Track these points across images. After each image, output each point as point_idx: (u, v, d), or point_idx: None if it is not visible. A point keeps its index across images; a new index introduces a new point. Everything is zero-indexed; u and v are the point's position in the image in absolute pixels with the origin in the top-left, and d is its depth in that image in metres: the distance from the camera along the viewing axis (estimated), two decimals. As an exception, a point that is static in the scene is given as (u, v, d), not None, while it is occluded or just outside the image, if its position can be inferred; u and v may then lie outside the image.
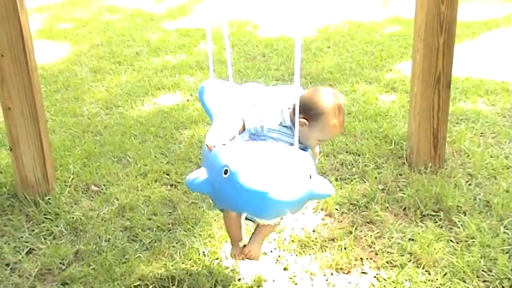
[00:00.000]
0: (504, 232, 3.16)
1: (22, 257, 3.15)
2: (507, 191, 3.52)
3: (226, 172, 2.10)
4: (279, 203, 2.03)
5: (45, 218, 3.46)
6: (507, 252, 3.01)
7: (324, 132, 2.41)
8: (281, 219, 2.34)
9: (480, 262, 2.93)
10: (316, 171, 2.39)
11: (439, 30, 3.53)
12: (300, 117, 2.29)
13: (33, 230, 3.37)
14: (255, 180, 2.02)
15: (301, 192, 2.10)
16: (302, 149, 2.33)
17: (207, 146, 2.33)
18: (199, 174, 2.31)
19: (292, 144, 2.29)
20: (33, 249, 3.22)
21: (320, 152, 2.71)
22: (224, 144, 2.29)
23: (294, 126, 2.29)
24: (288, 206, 2.11)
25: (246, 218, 2.33)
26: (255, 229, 2.57)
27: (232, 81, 2.63)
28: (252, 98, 2.73)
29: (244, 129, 2.43)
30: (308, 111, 2.36)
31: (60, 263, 3.10)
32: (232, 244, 2.61)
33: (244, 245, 2.54)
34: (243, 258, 2.59)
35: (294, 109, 2.28)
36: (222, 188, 2.15)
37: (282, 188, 2.02)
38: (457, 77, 5.08)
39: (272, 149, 2.23)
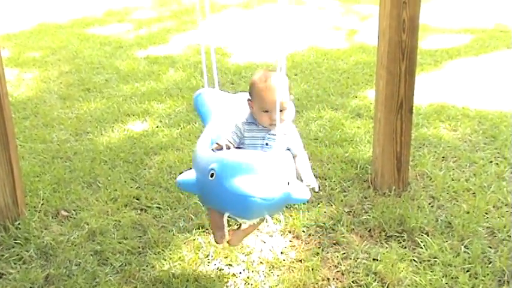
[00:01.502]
0: (465, 252, 3.27)
1: (-8, 282, 3.16)
2: (468, 213, 3.65)
3: (212, 175, 2.31)
4: (259, 204, 2.21)
5: (15, 242, 3.48)
6: (468, 271, 3.12)
7: (259, 101, 2.62)
8: (260, 220, 2.55)
9: (442, 281, 3.04)
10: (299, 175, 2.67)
11: (400, 58, 3.67)
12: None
13: (3, 255, 3.38)
14: (238, 183, 2.22)
15: (280, 196, 2.30)
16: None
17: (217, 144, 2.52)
18: (189, 176, 2.57)
19: (263, 138, 2.62)
20: (3, 274, 3.23)
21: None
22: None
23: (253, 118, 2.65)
24: (267, 208, 2.33)
25: (229, 217, 2.47)
26: (238, 227, 2.71)
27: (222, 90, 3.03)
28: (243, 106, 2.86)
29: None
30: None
31: (31, 287, 3.12)
32: (214, 234, 2.68)
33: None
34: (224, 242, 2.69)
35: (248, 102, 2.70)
36: (208, 189, 2.39)
37: (262, 191, 2.21)
38: (420, 103, 5.24)
39: (255, 156, 2.44)
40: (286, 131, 2.68)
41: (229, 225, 2.60)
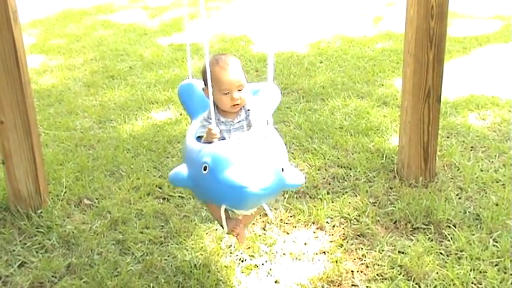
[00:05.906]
0: (493, 245, 3.18)
1: (14, 270, 3.16)
2: (496, 205, 3.55)
3: (205, 168, 2.24)
4: (255, 195, 2.14)
5: (38, 231, 3.47)
6: (496, 265, 3.03)
7: (217, 83, 2.58)
8: (257, 209, 2.50)
9: (470, 275, 2.96)
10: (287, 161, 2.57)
11: (428, 45, 3.57)
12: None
13: (26, 243, 3.38)
14: (232, 175, 2.15)
15: (275, 184, 2.22)
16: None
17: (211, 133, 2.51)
18: (181, 170, 2.50)
19: (229, 131, 2.65)
20: (25, 262, 3.23)
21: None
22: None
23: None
24: (264, 197, 2.25)
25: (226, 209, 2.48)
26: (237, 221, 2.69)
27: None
28: None
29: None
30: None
31: (52, 276, 3.12)
32: (222, 226, 2.65)
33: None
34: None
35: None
36: (202, 183, 2.32)
37: (257, 181, 2.14)
38: (448, 92, 5.12)
39: (247, 145, 2.37)
40: (249, 106, 2.70)
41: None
